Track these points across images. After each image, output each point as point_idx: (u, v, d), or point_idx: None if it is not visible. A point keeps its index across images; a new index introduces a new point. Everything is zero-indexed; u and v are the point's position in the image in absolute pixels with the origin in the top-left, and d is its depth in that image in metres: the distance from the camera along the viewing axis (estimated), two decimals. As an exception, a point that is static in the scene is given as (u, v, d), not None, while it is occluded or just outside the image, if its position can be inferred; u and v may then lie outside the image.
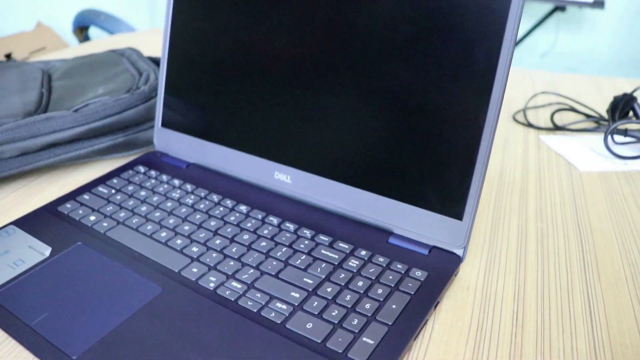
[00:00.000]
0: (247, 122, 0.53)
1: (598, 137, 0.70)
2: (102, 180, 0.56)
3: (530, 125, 0.74)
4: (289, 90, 0.50)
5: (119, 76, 0.69)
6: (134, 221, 0.49)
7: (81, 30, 2.12)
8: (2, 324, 0.37)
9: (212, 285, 0.41)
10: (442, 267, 0.42)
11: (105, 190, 0.54)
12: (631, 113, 0.69)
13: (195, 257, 0.44)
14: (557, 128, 0.73)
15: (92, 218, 0.49)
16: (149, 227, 0.48)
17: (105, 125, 0.59)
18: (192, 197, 0.53)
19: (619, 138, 0.67)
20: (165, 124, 0.60)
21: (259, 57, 0.52)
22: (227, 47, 0.54)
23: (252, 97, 0.53)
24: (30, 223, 0.49)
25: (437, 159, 0.43)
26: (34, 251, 0.45)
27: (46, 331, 0.37)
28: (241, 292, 0.40)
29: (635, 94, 0.69)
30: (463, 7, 0.40)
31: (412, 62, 0.43)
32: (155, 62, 0.76)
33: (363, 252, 0.44)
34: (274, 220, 0.49)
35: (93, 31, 2.16)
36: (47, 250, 0.45)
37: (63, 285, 0.41)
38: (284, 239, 0.46)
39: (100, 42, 1.18)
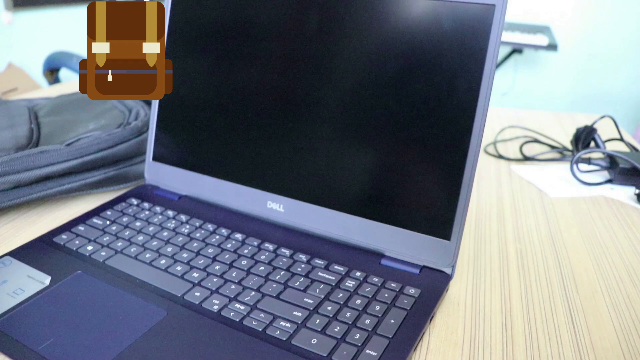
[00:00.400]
0: (238, 154, 0.56)
1: (564, 166, 0.75)
2: (96, 212, 0.57)
3: (500, 156, 0.79)
4: (279, 123, 0.53)
5: (109, 112, 0.70)
6: (131, 250, 0.50)
7: (51, 72, 2.11)
8: (8, 351, 0.38)
9: (216, 307, 0.42)
10: (433, 285, 0.45)
11: (99, 222, 0.55)
12: (593, 143, 0.74)
13: (196, 282, 0.45)
14: (526, 159, 0.78)
15: (90, 248, 0.50)
16: (148, 255, 0.49)
17: (98, 158, 0.60)
18: (187, 226, 0.54)
19: (583, 166, 0.72)
20: (156, 157, 0.61)
21: (250, 92, 0.55)
22: (218, 83, 0.57)
23: (244, 130, 0.55)
24: (27, 254, 0.50)
25: (424, 184, 0.46)
26: (33, 280, 0.46)
27: (54, 356, 0.37)
28: (245, 313, 0.41)
29: (595, 126, 0.75)
30: (446, 45, 0.44)
31: (397, 96, 0.47)
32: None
33: (358, 273, 0.46)
34: (270, 246, 0.50)
35: (63, 73, 2.16)
36: (46, 279, 0.46)
37: (67, 311, 0.42)
38: (281, 263, 0.48)
39: (73, 83, 1.20)
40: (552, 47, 2.07)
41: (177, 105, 0.59)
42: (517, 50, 2.29)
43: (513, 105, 2.48)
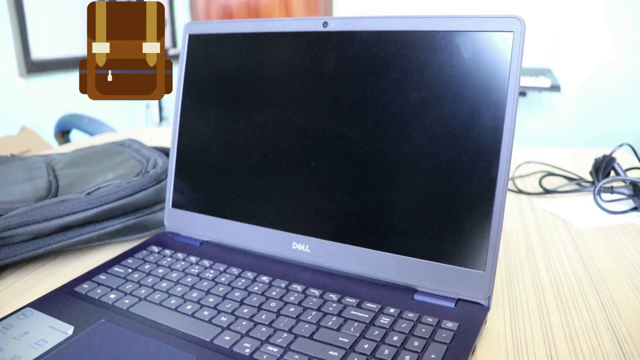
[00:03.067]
0: (261, 197, 0.55)
1: (585, 197, 0.74)
2: (117, 260, 0.56)
3: (520, 191, 0.78)
4: (301, 163, 0.52)
5: (126, 162, 0.70)
6: (155, 297, 0.49)
7: (62, 134, 2.15)
8: (33, 404, 0.36)
9: (247, 351, 0.40)
10: (471, 318, 0.43)
11: (121, 270, 0.54)
12: (613, 172, 0.73)
13: (225, 326, 0.44)
14: (547, 192, 0.77)
15: (112, 296, 0.49)
16: (173, 301, 0.48)
17: (117, 207, 0.60)
18: (212, 271, 0.53)
19: (606, 196, 0.71)
20: (176, 204, 0.61)
21: (269, 134, 0.55)
22: (236, 127, 0.57)
23: (265, 172, 0.55)
24: (48, 304, 0.48)
25: (456, 215, 0.45)
26: (55, 330, 0.44)
27: (82, 407, 0.35)
28: (279, 355, 0.39)
29: (613, 155, 0.74)
30: (469, 74, 0.44)
31: (422, 129, 0.47)
32: (159, 149, 0.79)
33: (392, 310, 0.45)
34: (298, 287, 0.49)
35: (74, 134, 2.20)
36: (69, 329, 0.44)
37: (93, 359, 0.40)
38: (311, 303, 0.46)
39: (83, 142, 1.21)
40: (555, 88, 2.09)
41: (195, 151, 0.60)
42: (520, 93, 2.32)
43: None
